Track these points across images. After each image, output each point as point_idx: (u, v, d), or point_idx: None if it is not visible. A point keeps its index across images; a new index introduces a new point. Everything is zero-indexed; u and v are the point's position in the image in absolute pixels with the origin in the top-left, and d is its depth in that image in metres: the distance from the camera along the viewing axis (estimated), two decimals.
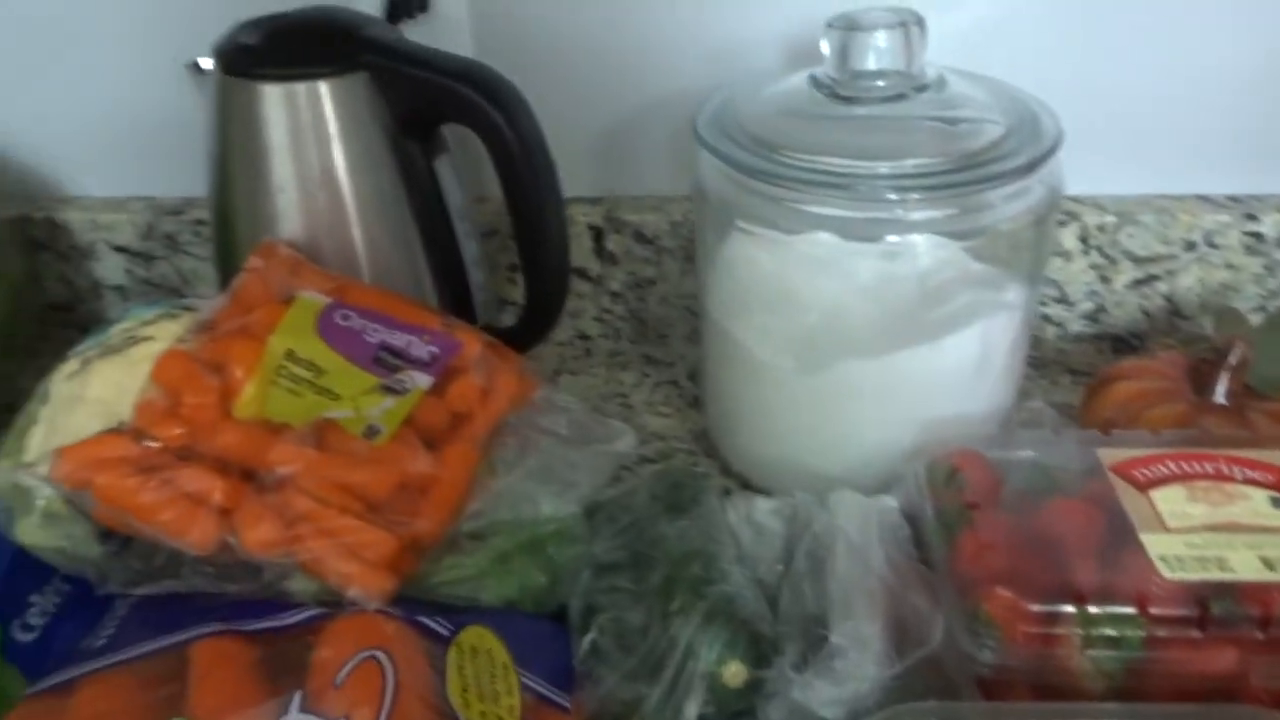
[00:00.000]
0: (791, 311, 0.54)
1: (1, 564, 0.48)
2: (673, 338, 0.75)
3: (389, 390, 0.47)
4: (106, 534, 0.46)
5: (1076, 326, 0.71)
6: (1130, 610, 0.39)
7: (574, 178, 0.70)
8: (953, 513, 0.45)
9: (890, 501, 0.48)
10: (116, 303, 0.76)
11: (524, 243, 0.57)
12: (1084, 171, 0.61)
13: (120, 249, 0.75)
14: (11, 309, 0.63)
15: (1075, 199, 0.68)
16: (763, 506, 0.49)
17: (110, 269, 0.75)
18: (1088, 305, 0.70)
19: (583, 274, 0.73)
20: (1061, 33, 0.64)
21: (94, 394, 0.48)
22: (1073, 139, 0.52)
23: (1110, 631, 0.39)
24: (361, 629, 0.39)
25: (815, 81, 0.55)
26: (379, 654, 0.38)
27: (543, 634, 0.45)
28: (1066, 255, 0.68)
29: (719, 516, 0.49)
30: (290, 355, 0.47)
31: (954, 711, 0.38)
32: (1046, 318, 0.71)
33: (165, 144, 0.71)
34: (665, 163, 0.71)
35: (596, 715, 0.42)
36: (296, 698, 0.37)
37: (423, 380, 0.48)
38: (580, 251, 0.71)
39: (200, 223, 0.73)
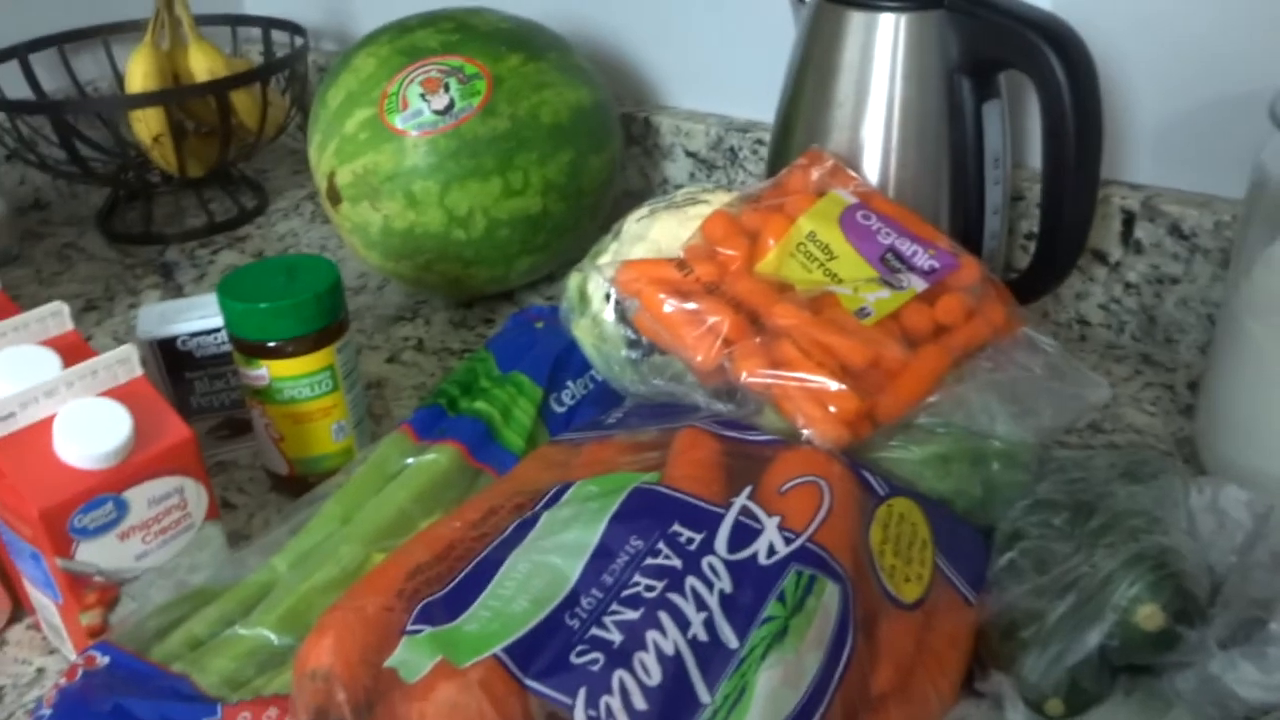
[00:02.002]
0: None
1: (556, 351, 0.61)
2: (1182, 344, 0.71)
3: (886, 283, 0.52)
4: (633, 343, 0.56)
5: None
6: None
7: (1120, 160, 0.69)
8: None
9: None
10: None
11: (1049, 196, 0.59)
12: None
13: (691, 154, 0.88)
14: (607, 178, 0.78)
15: None
16: (1234, 495, 0.46)
17: (679, 169, 0.89)
18: None
19: (1101, 257, 0.71)
20: None
21: (654, 235, 0.59)
22: None
23: None
24: (812, 459, 0.45)
25: None
26: (821, 481, 0.44)
27: (965, 536, 0.48)
28: None
29: (1178, 494, 0.47)
30: (811, 236, 0.54)
31: None
32: None
33: (748, 70, 0.82)
34: (1226, 164, 0.67)
35: (996, 618, 0.44)
36: (747, 489, 0.43)
37: (918, 284, 0.52)
38: (1106, 234, 0.70)
39: (760, 142, 0.83)
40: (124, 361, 0.49)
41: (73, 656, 0.50)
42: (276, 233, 0.96)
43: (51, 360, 0.50)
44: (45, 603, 0.49)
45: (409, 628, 0.37)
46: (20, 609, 0.54)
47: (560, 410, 0.59)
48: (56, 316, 0.53)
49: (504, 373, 0.60)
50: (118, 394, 0.48)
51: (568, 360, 0.61)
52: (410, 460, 0.53)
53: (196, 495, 0.50)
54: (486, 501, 0.46)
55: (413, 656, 0.36)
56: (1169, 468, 0.51)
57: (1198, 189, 0.69)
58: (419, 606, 0.38)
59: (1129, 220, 0.70)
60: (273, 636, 0.43)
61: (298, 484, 0.60)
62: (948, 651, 0.42)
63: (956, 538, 0.47)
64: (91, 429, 0.46)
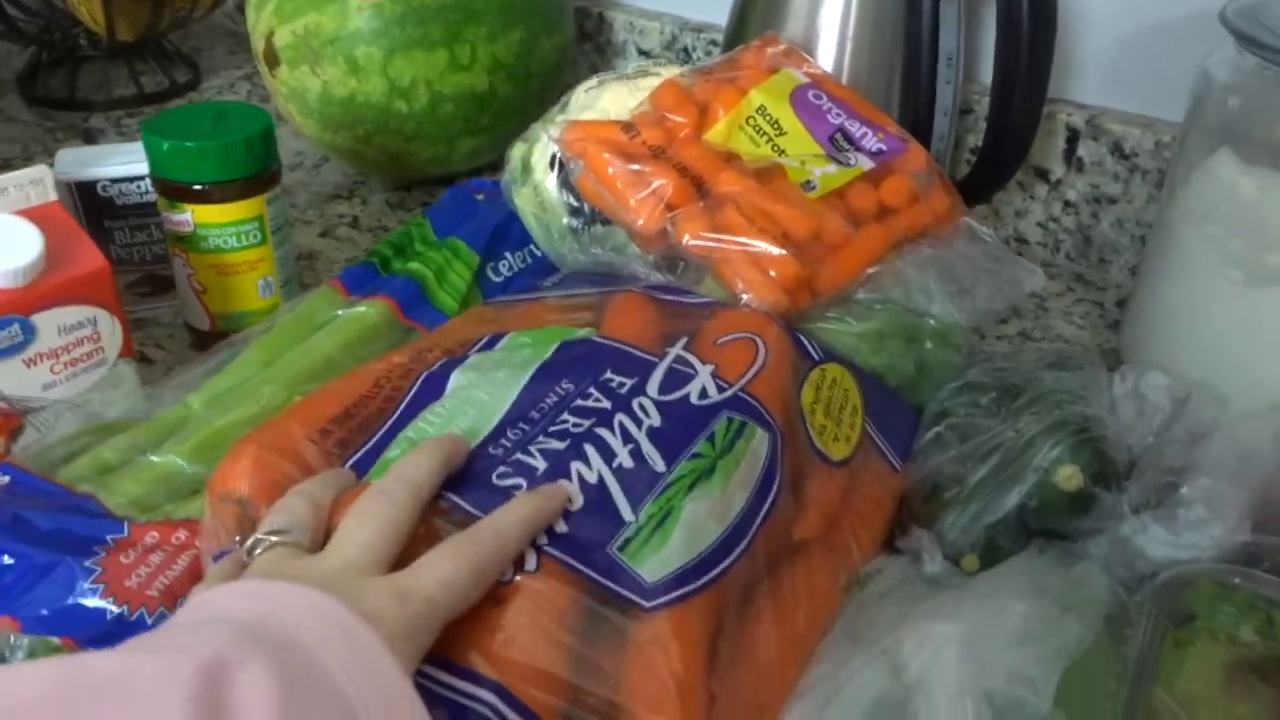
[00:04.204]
0: (1257, 244, 0.51)
1: (495, 222, 0.60)
2: (1114, 265, 0.72)
3: (833, 159, 0.52)
4: (575, 210, 0.55)
5: None
6: None
7: (1067, 80, 0.70)
8: None
9: None
10: None
11: (997, 99, 0.59)
12: None
13: (644, 52, 0.86)
14: (557, 63, 0.76)
15: None
16: (1155, 380, 0.47)
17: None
18: None
19: (1043, 174, 0.72)
20: None
21: (603, 105, 0.57)
22: None
23: None
24: (750, 318, 0.45)
25: None
26: (757, 338, 0.43)
27: (896, 409, 0.48)
28: None
29: (1102, 382, 0.48)
30: (761, 110, 0.54)
31: (1255, 579, 0.35)
32: None
33: None
34: (1170, 87, 0.67)
35: (920, 483, 0.44)
36: (682, 340, 0.43)
37: (865, 162, 0.52)
38: (1049, 150, 0.71)
39: (714, 43, 0.82)
40: (37, 182, 0.47)
41: None
42: None
43: None
44: None
45: (358, 448, 0.37)
46: None
47: (497, 280, 0.58)
48: None
49: (440, 238, 0.59)
50: (30, 215, 0.46)
51: (506, 232, 0.60)
52: (339, 313, 0.52)
53: (110, 329, 0.48)
54: (415, 347, 0.45)
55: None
56: (1094, 362, 0.52)
57: (1142, 111, 0.70)
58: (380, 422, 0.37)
59: (1073, 138, 0.70)
60: (185, 464, 0.42)
61: (219, 340, 0.58)
62: (871, 511, 0.43)
63: (887, 409, 0.47)
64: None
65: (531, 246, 0.60)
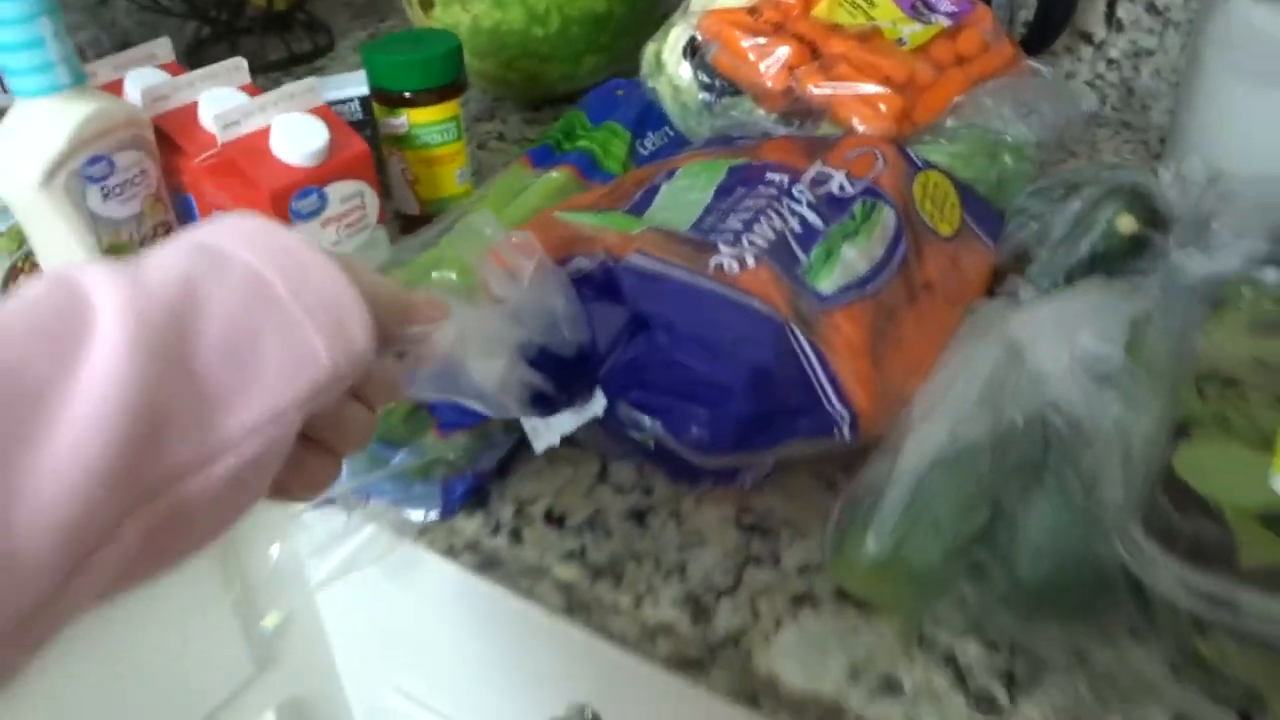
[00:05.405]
0: (1270, 59, 0.62)
1: (638, 108, 0.73)
2: (1155, 110, 0.84)
3: (918, 19, 0.65)
4: (707, 86, 0.69)
5: None
6: None
7: None
8: None
9: None
10: None
11: None
12: None
13: None
14: None
15: None
16: (1193, 164, 0.59)
17: None
18: None
19: (1087, 37, 0.84)
20: None
21: (719, 3, 0.71)
22: None
23: None
24: (868, 139, 0.58)
25: None
26: (876, 151, 0.57)
27: (984, 207, 0.61)
28: None
29: (1149, 173, 0.61)
30: None
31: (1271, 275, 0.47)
32: None
33: None
34: None
35: (1010, 253, 0.57)
36: (820, 159, 0.56)
37: (944, 20, 0.65)
38: (1092, 15, 0.83)
39: None
40: (310, 90, 0.61)
41: None
42: (350, 63, 1.07)
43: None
44: None
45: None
46: None
47: (645, 154, 0.72)
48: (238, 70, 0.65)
49: (595, 124, 0.72)
50: (311, 114, 0.61)
51: (647, 116, 0.73)
52: (534, 180, 0.66)
53: (371, 200, 0.63)
54: (610, 187, 0.59)
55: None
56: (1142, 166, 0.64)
57: None
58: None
59: (1112, 2, 0.82)
60: (456, 279, 0.56)
61: (426, 223, 0.73)
62: (975, 273, 0.56)
63: (978, 206, 0.60)
64: (299, 134, 0.58)
65: (667, 128, 0.73)
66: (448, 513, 0.52)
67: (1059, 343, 0.45)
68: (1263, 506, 0.39)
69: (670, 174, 0.58)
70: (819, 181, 0.54)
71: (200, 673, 0.68)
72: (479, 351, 0.40)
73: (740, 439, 0.44)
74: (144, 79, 0.64)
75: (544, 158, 0.69)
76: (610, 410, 0.46)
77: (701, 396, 0.44)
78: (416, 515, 0.52)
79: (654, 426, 0.45)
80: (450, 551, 0.52)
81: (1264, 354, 0.44)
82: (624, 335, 0.46)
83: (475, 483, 0.52)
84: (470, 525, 0.51)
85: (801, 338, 0.45)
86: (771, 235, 0.49)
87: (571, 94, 0.93)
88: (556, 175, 0.66)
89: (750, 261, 0.46)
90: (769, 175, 0.54)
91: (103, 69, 0.64)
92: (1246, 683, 0.40)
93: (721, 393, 0.44)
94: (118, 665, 0.61)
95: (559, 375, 0.44)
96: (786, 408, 0.45)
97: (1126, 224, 0.53)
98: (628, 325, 0.46)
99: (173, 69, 0.68)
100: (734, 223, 0.50)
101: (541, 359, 0.44)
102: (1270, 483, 0.40)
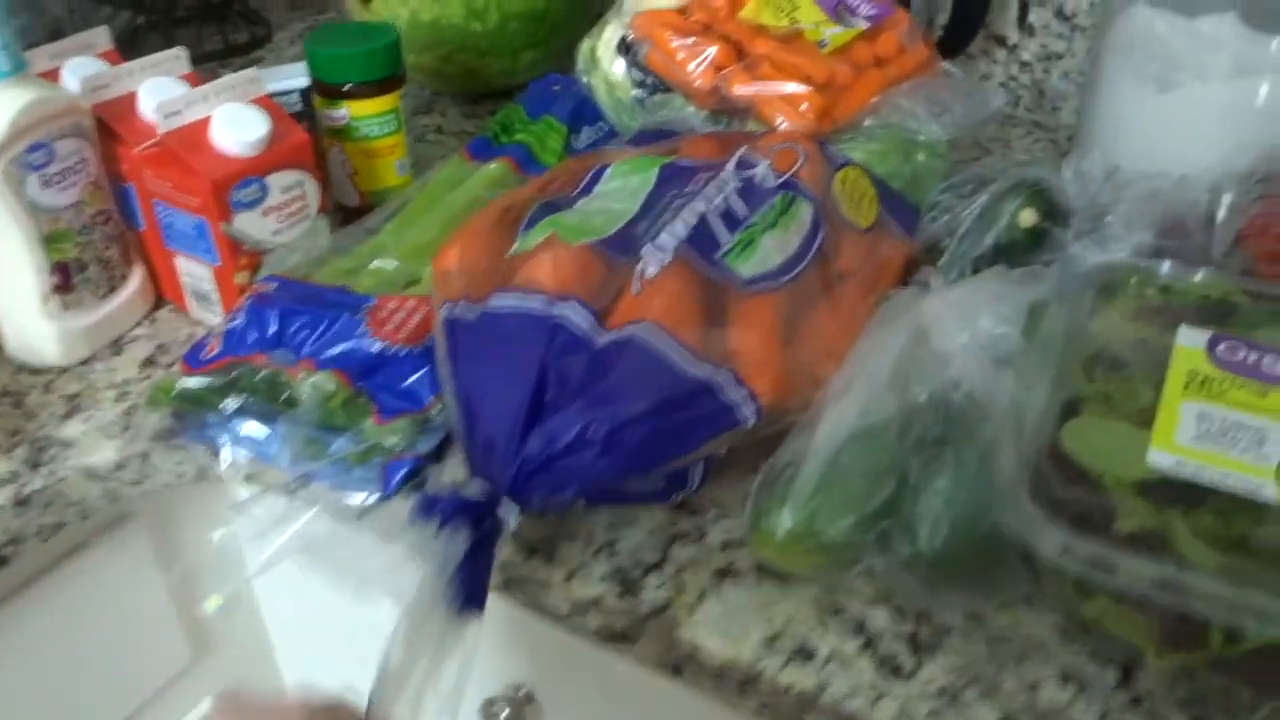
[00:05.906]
0: (1166, 64, 0.67)
1: (573, 103, 0.75)
2: (1064, 110, 0.88)
3: (839, 21, 0.68)
4: (640, 83, 0.71)
5: None
6: None
7: None
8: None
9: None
10: None
11: None
12: None
13: None
14: None
15: None
16: (1093, 160, 0.63)
17: None
18: None
19: (1001, 41, 0.88)
20: None
21: (649, 3, 0.73)
22: None
23: None
24: (790, 135, 0.61)
25: None
26: (798, 146, 0.60)
27: (900, 202, 0.64)
28: None
29: (1053, 169, 0.65)
30: None
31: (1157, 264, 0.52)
32: None
33: None
34: None
35: (923, 245, 0.61)
36: (741, 150, 0.59)
37: (863, 24, 0.68)
38: (1005, 20, 0.87)
39: None
40: (252, 80, 0.62)
41: (217, 319, 0.64)
42: (288, 55, 1.08)
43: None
44: (200, 272, 0.63)
45: (525, 224, 0.53)
46: (162, 299, 0.68)
47: (579, 147, 0.74)
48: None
49: (533, 118, 0.75)
50: (253, 104, 0.62)
51: (583, 111, 0.76)
52: (471, 173, 0.68)
53: (313, 190, 0.64)
54: (541, 180, 0.61)
55: (529, 239, 0.52)
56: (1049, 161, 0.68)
57: None
58: (534, 208, 0.54)
59: (1024, 8, 0.86)
60: (399, 264, 0.58)
61: (365, 214, 0.74)
62: (890, 263, 0.59)
63: (894, 200, 0.64)
64: (240, 124, 0.60)
65: (602, 122, 0.76)
66: (387, 495, 0.53)
67: (961, 326, 0.49)
68: (1140, 477, 0.43)
69: (601, 170, 0.60)
70: (745, 165, 0.57)
71: (136, 660, 0.69)
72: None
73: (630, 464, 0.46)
74: (82, 68, 0.65)
75: (482, 150, 0.71)
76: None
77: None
78: (357, 498, 0.54)
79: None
80: (388, 535, 0.54)
81: (1147, 338, 0.48)
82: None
83: (414, 465, 0.54)
84: (407, 508, 0.53)
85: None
86: (693, 220, 0.52)
87: (509, 88, 0.95)
88: (494, 167, 0.68)
89: (667, 259, 0.49)
90: (697, 176, 0.56)
91: (39, 57, 0.65)
92: (1126, 642, 0.44)
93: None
94: (51, 653, 0.62)
95: None
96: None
97: (1027, 217, 0.56)
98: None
99: (112, 57, 0.69)
100: (665, 219, 0.53)
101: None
102: (1147, 456, 0.43)
